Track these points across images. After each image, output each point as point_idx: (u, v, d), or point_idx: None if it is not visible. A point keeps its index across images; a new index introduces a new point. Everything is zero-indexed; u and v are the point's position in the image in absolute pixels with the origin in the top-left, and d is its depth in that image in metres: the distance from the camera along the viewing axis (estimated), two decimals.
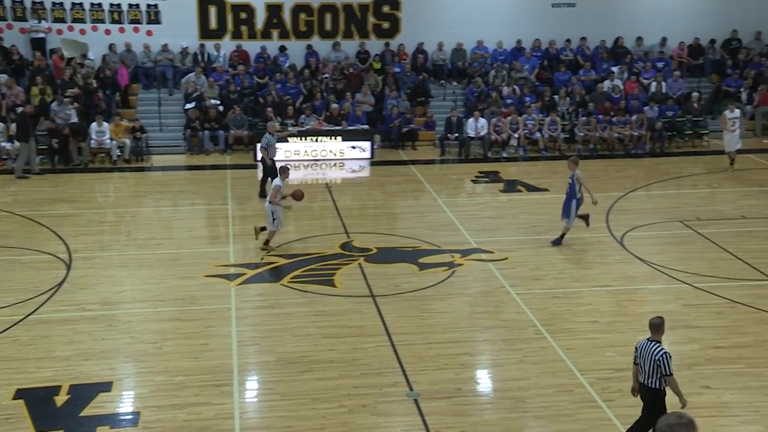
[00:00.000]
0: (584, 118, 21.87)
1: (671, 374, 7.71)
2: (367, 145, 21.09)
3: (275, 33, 24.03)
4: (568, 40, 24.58)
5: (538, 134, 21.62)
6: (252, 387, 9.94)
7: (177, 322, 11.47)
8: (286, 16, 23.95)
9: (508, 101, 22.69)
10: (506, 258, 13.81)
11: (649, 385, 7.86)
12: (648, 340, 7.93)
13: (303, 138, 20.65)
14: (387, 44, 24.23)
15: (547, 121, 21.73)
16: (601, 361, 10.24)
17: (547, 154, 21.42)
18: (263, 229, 14.37)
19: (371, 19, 24.26)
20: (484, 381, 10.20)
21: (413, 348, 10.61)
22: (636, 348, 8.05)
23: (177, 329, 11.25)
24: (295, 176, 18.32)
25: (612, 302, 12.20)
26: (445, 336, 11.00)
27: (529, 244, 14.56)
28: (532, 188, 18.37)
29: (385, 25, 24.37)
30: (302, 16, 24.02)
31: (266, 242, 14.22)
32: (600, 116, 21.97)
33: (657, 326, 7.96)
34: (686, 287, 12.61)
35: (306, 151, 20.70)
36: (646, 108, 22.22)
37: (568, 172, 14.30)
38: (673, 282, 12.83)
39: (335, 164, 20.77)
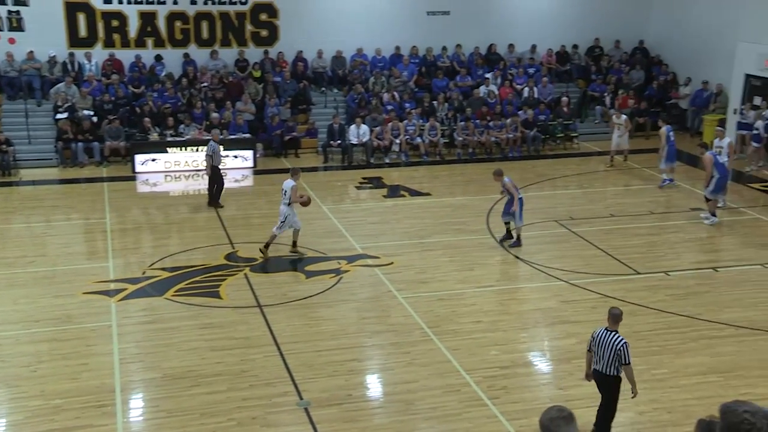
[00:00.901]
0: (462, 123, 22.46)
1: (629, 363, 8.13)
2: (249, 153, 20.87)
3: (150, 41, 23.37)
4: (444, 47, 25.18)
5: (418, 139, 22.03)
6: (136, 405, 9.63)
7: (53, 343, 10.97)
8: (161, 23, 23.34)
9: (389, 107, 23.01)
10: (392, 263, 14.00)
11: (608, 373, 8.25)
12: (606, 329, 8.30)
13: (183, 148, 20.21)
14: (266, 52, 24.06)
15: (427, 126, 22.17)
16: (486, 360, 10.54)
17: (428, 159, 21.86)
18: (267, 246, 14.10)
19: (249, 27, 24.01)
20: (373, 386, 10.29)
21: (302, 356, 10.59)
22: (592, 336, 8.40)
23: (53, 350, 10.75)
24: (176, 187, 17.89)
25: (495, 302, 12.59)
26: (334, 343, 11.04)
27: (414, 248, 14.80)
28: (414, 193, 18.69)
29: (263, 33, 24.18)
30: (178, 23, 23.47)
31: (294, 243, 14.26)
32: (477, 121, 22.63)
33: (616, 316, 8.37)
34: (563, 284, 13.17)
35: (186, 162, 20.24)
36: (520, 112, 23.07)
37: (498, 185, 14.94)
38: (551, 280, 13.37)
39: None
